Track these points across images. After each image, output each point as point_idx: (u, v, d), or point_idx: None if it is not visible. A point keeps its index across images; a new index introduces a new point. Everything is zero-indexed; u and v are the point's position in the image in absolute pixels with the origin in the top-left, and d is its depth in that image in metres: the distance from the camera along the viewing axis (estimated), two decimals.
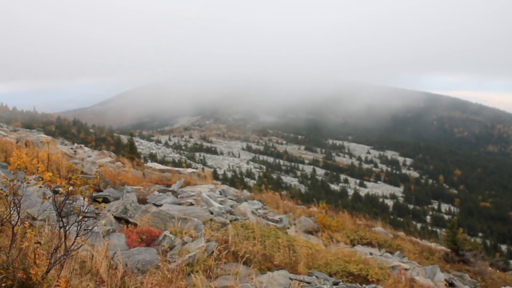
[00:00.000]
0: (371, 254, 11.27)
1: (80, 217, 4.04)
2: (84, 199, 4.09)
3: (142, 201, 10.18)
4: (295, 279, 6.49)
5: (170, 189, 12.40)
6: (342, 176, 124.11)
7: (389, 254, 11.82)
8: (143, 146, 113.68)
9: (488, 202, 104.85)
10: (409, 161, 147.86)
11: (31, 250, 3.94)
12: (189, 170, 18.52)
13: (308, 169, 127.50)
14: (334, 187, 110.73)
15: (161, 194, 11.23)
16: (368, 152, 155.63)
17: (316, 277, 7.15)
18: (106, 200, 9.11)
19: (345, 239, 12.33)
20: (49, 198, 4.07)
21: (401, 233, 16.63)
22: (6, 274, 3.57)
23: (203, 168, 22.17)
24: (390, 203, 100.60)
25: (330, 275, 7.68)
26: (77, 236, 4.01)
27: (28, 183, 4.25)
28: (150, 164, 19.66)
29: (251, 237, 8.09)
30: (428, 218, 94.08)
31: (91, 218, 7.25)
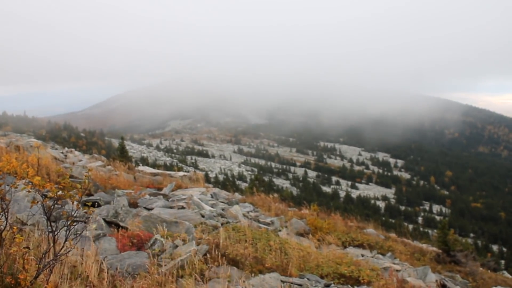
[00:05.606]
0: (362, 255, 11.30)
1: (69, 222, 4.02)
2: (73, 203, 4.07)
3: (133, 204, 10.12)
4: (286, 282, 6.48)
5: (161, 192, 12.34)
6: (334, 178, 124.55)
7: (380, 256, 11.85)
8: (134, 149, 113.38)
9: (479, 203, 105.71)
10: (400, 162, 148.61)
11: (19, 255, 3.92)
12: (181, 173, 18.44)
13: (300, 171, 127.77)
14: (326, 189, 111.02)
15: (152, 197, 11.19)
16: (360, 154, 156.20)
17: (308, 279, 7.16)
18: (97, 204, 9.05)
19: (337, 241, 12.35)
20: (37, 202, 4.04)
21: (393, 235, 16.69)
22: None
23: (194, 171, 22.11)
24: (381, 204, 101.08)
25: (322, 277, 7.69)
26: (65, 240, 3.99)
27: (16, 187, 4.22)
28: (141, 167, 19.55)
29: (243, 240, 8.07)
30: (420, 219, 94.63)
31: (81, 223, 7.20)
